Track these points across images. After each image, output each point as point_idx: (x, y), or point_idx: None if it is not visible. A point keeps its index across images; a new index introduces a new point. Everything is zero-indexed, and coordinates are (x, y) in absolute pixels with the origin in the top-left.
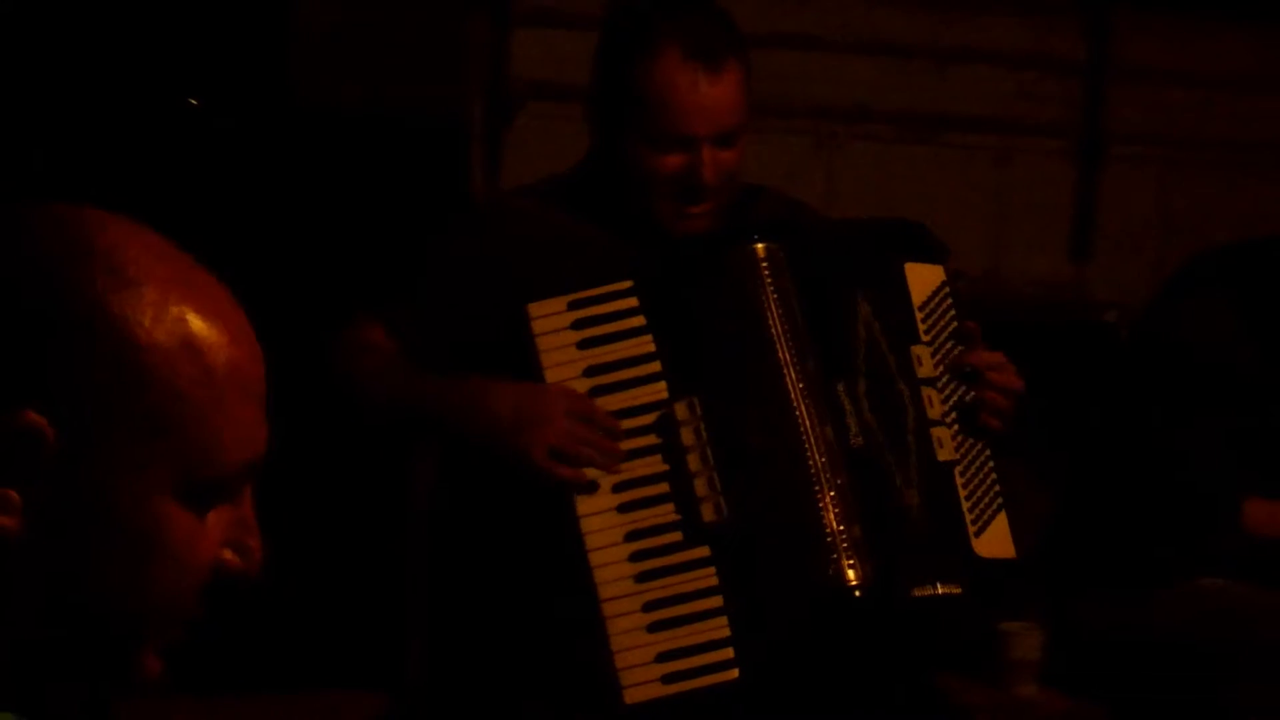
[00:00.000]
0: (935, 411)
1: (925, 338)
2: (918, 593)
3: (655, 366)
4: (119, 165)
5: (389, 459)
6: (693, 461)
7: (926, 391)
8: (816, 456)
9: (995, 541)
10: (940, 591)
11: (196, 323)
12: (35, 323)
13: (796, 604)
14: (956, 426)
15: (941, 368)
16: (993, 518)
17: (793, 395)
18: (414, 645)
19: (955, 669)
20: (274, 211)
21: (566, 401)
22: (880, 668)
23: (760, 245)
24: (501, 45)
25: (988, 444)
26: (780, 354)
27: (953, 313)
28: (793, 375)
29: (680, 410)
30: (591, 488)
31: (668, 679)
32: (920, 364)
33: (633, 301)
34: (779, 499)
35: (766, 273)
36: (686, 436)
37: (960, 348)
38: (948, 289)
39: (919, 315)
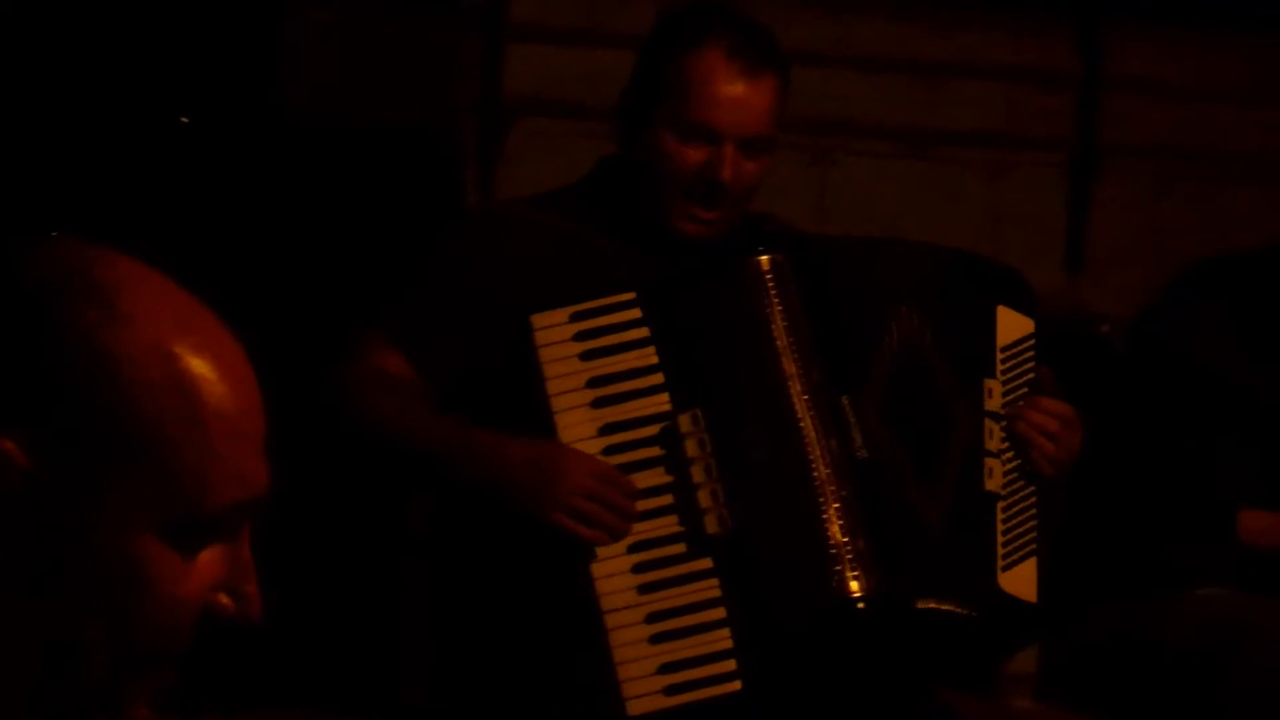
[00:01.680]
0: (994, 444)
1: (1001, 376)
2: (921, 605)
3: (659, 378)
4: (111, 182)
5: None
6: (696, 473)
7: (990, 424)
8: (821, 468)
9: (1020, 581)
10: (945, 607)
11: (188, 361)
12: (20, 351)
13: (799, 615)
14: (1011, 464)
15: (1009, 408)
16: (1024, 559)
17: (797, 407)
18: (413, 661)
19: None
20: (267, 227)
21: (584, 463)
22: (885, 680)
23: (765, 256)
24: (494, 60)
25: (1036, 490)
26: (785, 365)
27: (1032, 364)
28: (798, 387)
29: (684, 422)
30: (605, 545)
31: (670, 690)
32: (990, 396)
33: (636, 313)
34: (782, 510)
35: (771, 284)
36: (690, 448)
37: (1033, 392)
38: (1033, 342)
39: (1000, 355)
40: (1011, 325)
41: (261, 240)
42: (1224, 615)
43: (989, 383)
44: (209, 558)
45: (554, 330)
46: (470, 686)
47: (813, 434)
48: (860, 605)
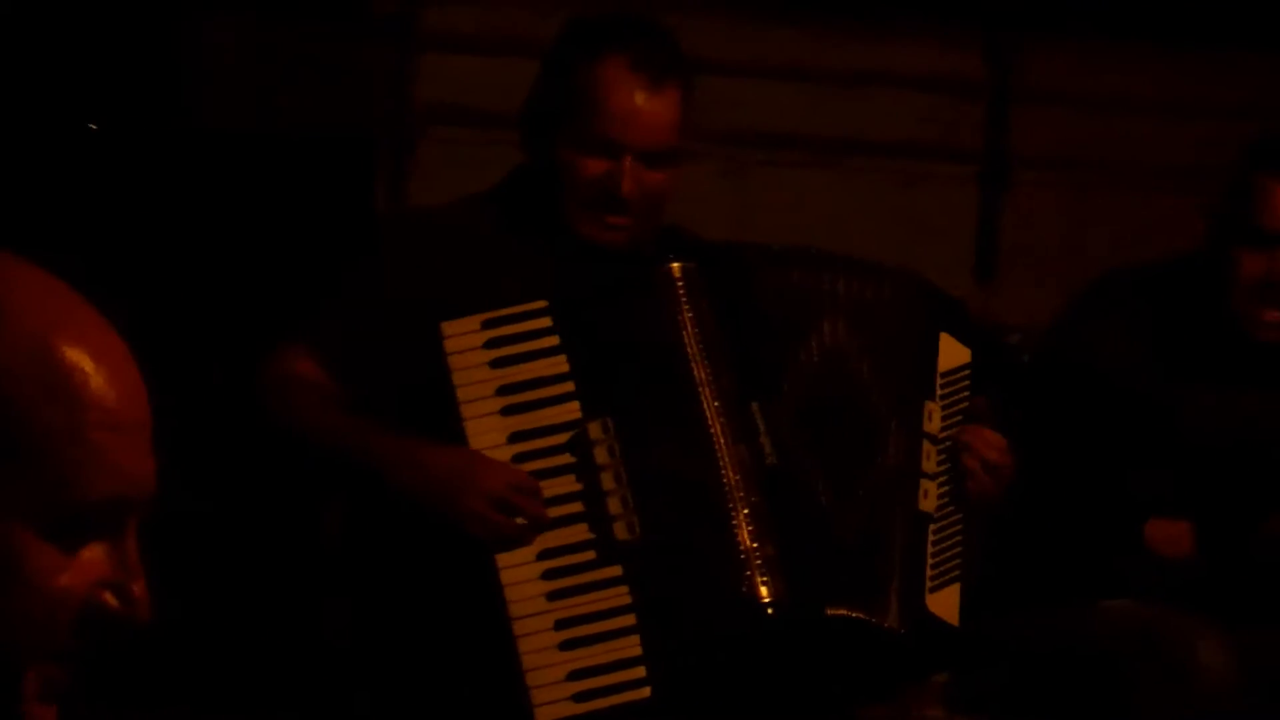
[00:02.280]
0: (930, 465)
1: (940, 400)
2: (831, 612)
3: (569, 386)
4: (19, 191)
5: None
6: (606, 481)
7: (928, 446)
8: (730, 475)
9: (944, 604)
10: (855, 614)
11: (63, 352)
12: None
13: (709, 622)
14: (945, 488)
15: (946, 432)
16: (949, 583)
17: (707, 414)
18: (327, 666)
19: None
20: (179, 235)
21: (498, 469)
22: (800, 689)
23: (676, 264)
24: (406, 69)
25: (966, 516)
26: (695, 373)
27: (968, 392)
28: (708, 394)
29: (594, 430)
30: (517, 549)
31: (579, 697)
32: (929, 419)
33: (546, 321)
34: (691, 517)
35: (683, 292)
36: (600, 455)
37: (967, 420)
38: (969, 372)
39: (940, 379)
40: (952, 353)
41: (174, 248)
42: (1133, 625)
43: (929, 405)
44: (92, 555)
45: (464, 338)
46: (381, 691)
47: (722, 441)
48: (769, 611)
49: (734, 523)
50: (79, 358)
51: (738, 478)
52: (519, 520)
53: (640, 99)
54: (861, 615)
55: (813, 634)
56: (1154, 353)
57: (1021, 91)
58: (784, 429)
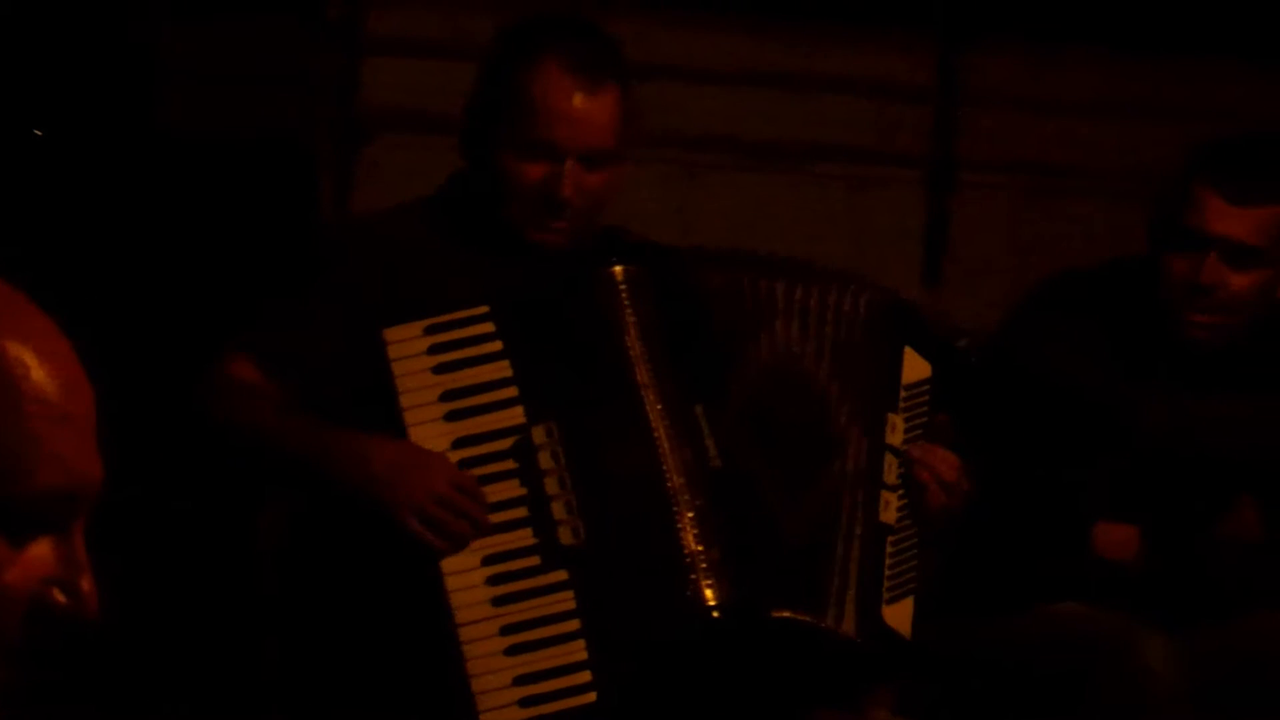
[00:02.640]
0: (890, 477)
1: (903, 413)
2: (776, 614)
3: (512, 391)
4: None
5: (240, 486)
6: (550, 485)
7: (890, 458)
8: (675, 478)
9: (898, 616)
10: (801, 617)
11: (2, 346)
12: None
13: (654, 626)
14: (904, 501)
15: (907, 445)
16: (904, 595)
17: (650, 418)
18: (270, 674)
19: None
20: (124, 238)
21: (444, 469)
22: (749, 692)
23: (619, 267)
24: (352, 74)
25: (922, 531)
26: (639, 376)
27: (928, 407)
28: (651, 397)
29: (537, 434)
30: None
31: (525, 702)
32: (893, 431)
33: (489, 326)
34: (637, 521)
35: (625, 295)
36: (544, 460)
37: (927, 436)
38: (928, 387)
39: (903, 392)
40: (914, 367)
41: (119, 251)
42: (1079, 629)
43: (893, 417)
44: (38, 551)
45: (407, 344)
46: (328, 698)
47: (666, 445)
48: (714, 614)
49: (679, 526)
50: (19, 351)
51: (682, 481)
52: (457, 522)
53: (578, 101)
54: (806, 618)
55: (758, 637)
56: (1100, 356)
57: (968, 95)
58: (729, 432)
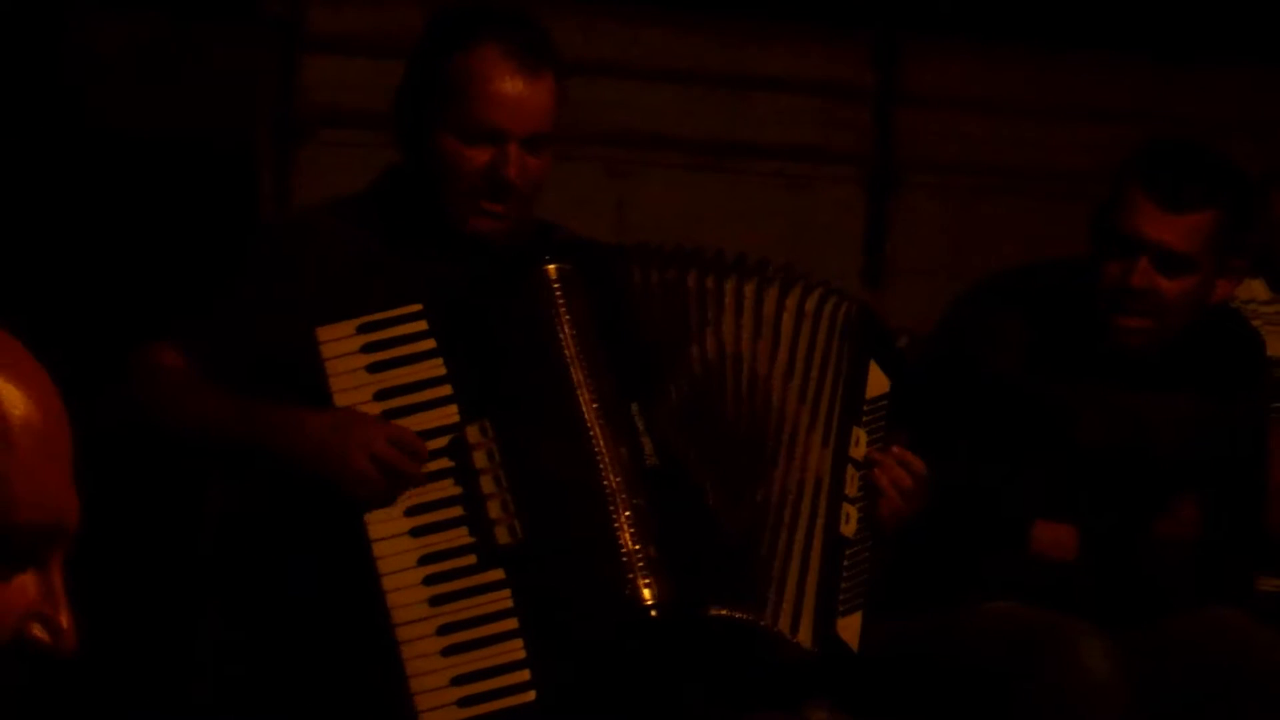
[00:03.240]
0: (852, 490)
1: (866, 426)
2: (715, 612)
3: (446, 389)
4: None
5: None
6: (486, 484)
7: (852, 471)
8: (611, 476)
9: (849, 629)
10: (738, 615)
11: None
12: None
13: (592, 625)
14: (863, 513)
15: (869, 458)
16: (855, 609)
17: (586, 416)
18: (207, 675)
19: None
20: (60, 237)
21: (379, 425)
22: (691, 690)
23: (552, 265)
24: (291, 71)
25: (876, 542)
26: (573, 374)
27: (887, 421)
28: (586, 395)
29: (472, 433)
30: (385, 515)
31: (464, 702)
32: (856, 444)
33: (422, 324)
34: (573, 520)
35: (559, 292)
36: (479, 459)
37: (887, 450)
38: (887, 401)
39: (866, 406)
40: (876, 381)
41: (56, 250)
42: (1016, 627)
43: (857, 430)
44: (22, 583)
45: (340, 343)
46: (266, 700)
47: (602, 443)
48: (653, 613)
49: (615, 525)
50: (8, 388)
51: (619, 479)
52: (396, 476)
53: (520, 84)
54: (745, 616)
55: (697, 635)
56: (1036, 355)
57: (907, 95)
58: (668, 429)
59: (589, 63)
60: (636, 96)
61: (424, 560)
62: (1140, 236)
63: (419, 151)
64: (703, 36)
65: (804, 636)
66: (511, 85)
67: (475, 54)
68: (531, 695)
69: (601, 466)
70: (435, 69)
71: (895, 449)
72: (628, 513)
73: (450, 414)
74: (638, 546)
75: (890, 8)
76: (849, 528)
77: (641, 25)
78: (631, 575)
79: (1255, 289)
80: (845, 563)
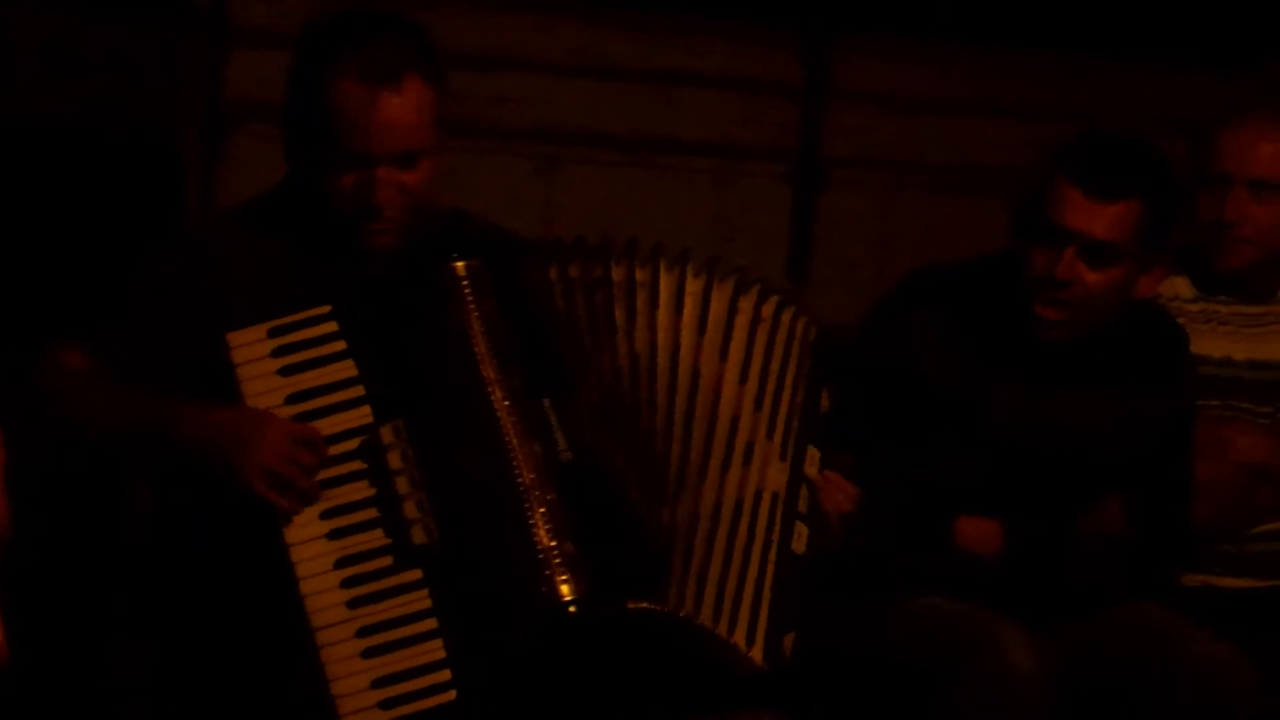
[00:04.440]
0: (804, 507)
1: (819, 444)
2: (633, 605)
3: (358, 391)
4: None
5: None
6: (401, 484)
7: (805, 489)
8: (525, 473)
9: (788, 645)
10: (657, 607)
11: None
12: None
13: (511, 623)
14: (813, 531)
15: (821, 474)
16: (794, 625)
17: (498, 413)
18: (130, 681)
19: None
20: None
21: (284, 425)
22: (618, 685)
23: (461, 263)
24: (217, 65)
25: (815, 560)
26: (484, 372)
27: (830, 438)
28: (498, 393)
29: (386, 434)
30: (300, 511)
31: (386, 704)
32: (811, 463)
33: (332, 326)
34: (488, 518)
35: (468, 290)
36: (393, 460)
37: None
38: (832, 417)
39: (819, 424)
40: (824, 399)
41: None
42: (941, 623)
43: (812, 450)
44: None
45: (251, 348)
46: (188, 704)
47: (514, 440)
48: (571, 610)
49: (531, 522)
50: None
51: (532, 476)
52: (301, 477)
53: (379, 106)
54: (665, 609)
55: (617, 629)
56: (962, 351)
57: (835, 92)
58: (583, 425)
59: (517, 58)
60: (564, 92)
61: (341, 563)
62: (1066, 226)
63: (300, 175)
64: (631, 32)
65: (755, 650)
66: (370, 109)
67: (334, 78)
68: (453, 695)
69: (514, 464)
70: (299, 95)
71: (830, 474)
72: (542, 509)
73: (363, 415)
74: (554, 543)
75: (818, 5)
76: (800, 544)
77: (569, 21)
78: (548, 572)
79: (1179, 287)
80: (797, 580)
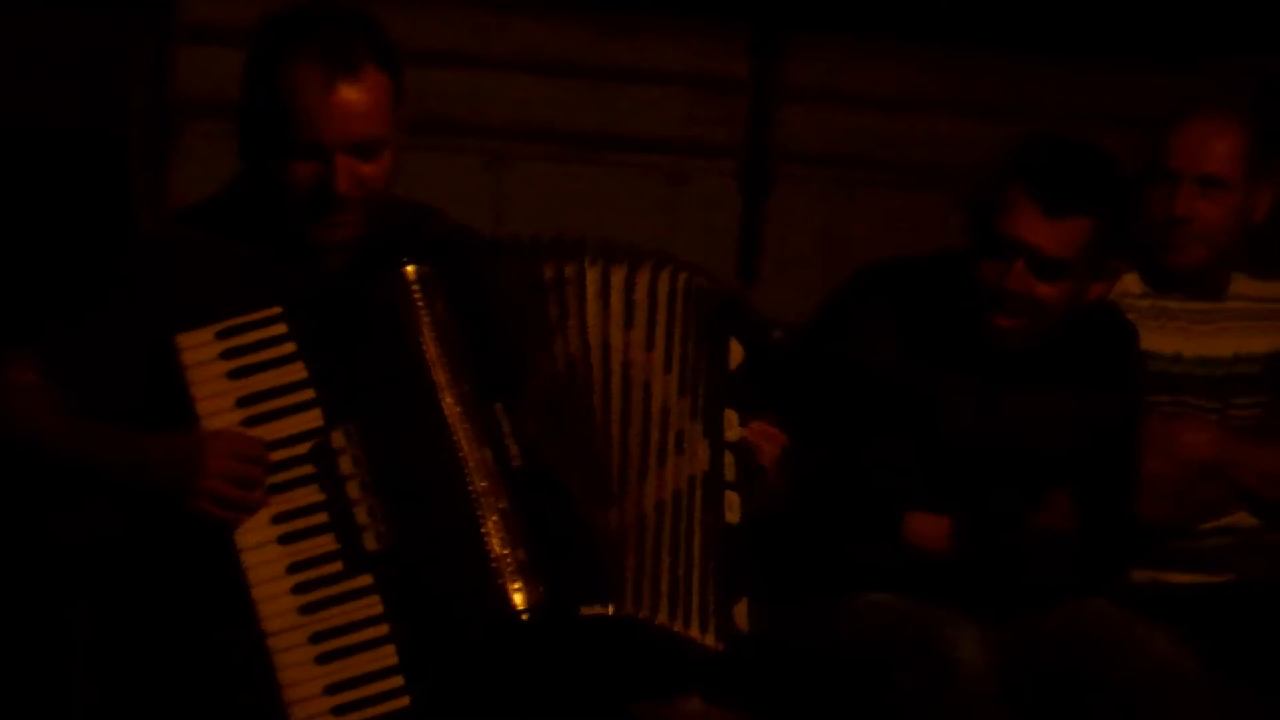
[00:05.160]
0: (731, 475)
1: (735, 405)
2: (586, 611)
3: (309, 394)
4: None
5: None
6: (352, 489)
7: (729, 455)
8: (477, 480)
9: (740, 614)
10: (612, 613)
11: None
12: None
13: (463, 630)
14: (745, 497)
15: (742, 438)
16: (745, 593)
17: (449, 419)
18: (82, 689)
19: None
20: None
21: (222, 443)
22: (576, 689)
23: (411, 268)
24: (164, 62)
25: (758, 523)
26: (435, 377)
27: (747, 392)
28: (449, 399)
29: (337, 438)
30: (249, 519)
31: (338, 710)
32: (729, 426)
33: (282, 328)
34: (440, 525)
35: (418, 295)
36: (344, 464)
37: (754, 424)
38: (747, 368)
39: (732, 383)
40: (735, 353)
41: None
42: (891, 618)
43: (729, 413)
44: None
45: (200, 350)
46: (140, 710)
47: (466, 446)
48: (524, 617)
49: (483, 530)
50: None
51: (485, 484)
52: (247, 494)
53: (338, 95)
54: (618, 612)
55: (571, 635)
56: (911, 348)
57: (785, 88)
58: (533, 429)
59: (468, 55)
60: (516, 89)
61: (293, 568)
62: (1018, 240)
63: (257, 168)
64: (581, 29)
65: (707, 634)
66: (329, 98)
67: (291, 67)
68: (406, 701)
69: (466, 471)
70: (256, 87)
71: (758, 425)
72: (494, 517)
73: (314, 418)
74: (506, 551)
75: (767, 2)
76: (733, 515)
77: (520, 17)
78: (501, 581)
79: (1129, 283)
80: (735, 547)
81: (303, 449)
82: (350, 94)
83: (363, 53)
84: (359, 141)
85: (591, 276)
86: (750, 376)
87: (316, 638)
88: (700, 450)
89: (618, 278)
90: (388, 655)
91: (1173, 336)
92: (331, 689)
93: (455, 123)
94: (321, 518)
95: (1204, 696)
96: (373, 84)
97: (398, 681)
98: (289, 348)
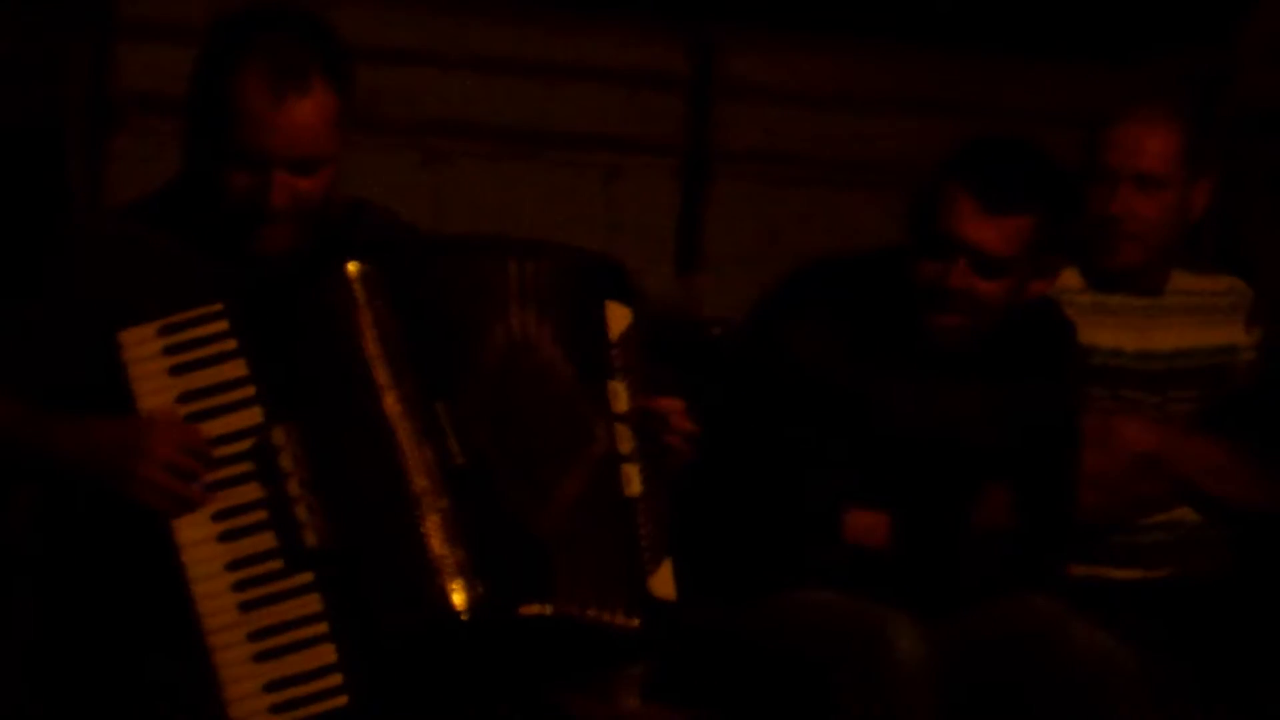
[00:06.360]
0: (626, 447)
1: (621, 375)
2: (525, 611)
3: (250, 391)
4: None
5: None
6: (292, 487)
7: (620, 428)
8: (418, 479)
9: (662, 581)
10: (550, 611)
11: None
12: None
13: (402, 629)
14: (645, 466)
15: (633, 406)
16: (663, 559)
17: (390, 418)
18: (19, 685)
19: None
20: None
21: (167, 432)
22: (496, 687)
23: (354, 265)
24: (103, 58)
25: (666, 487)
26: (377, 375)
27: (639, 354)
28: (390, 397)
29: (277, 435)
30: (190, 512)
31: (276, 709)
32: (616, 398)
33: (224, 324)
34: (380, 523)
35: (360, 293)
36: (285, 462)
37: (648, 390)
38: (635, 332)
39: (614, 353)
40: (617, 319)
41: None
42: (830, 615)
43: (613, 384)
44: None
45: (142, 346)
46: (78, 707)
47: (407, 445)
48: (463, 617)
49: (423, 530)
50: None
51: (425, 483)
52: (187, 485)
53: (282, 108)
54: (558, 610)
55: (511, 634)
56: (850, 345)
57: (722, 85)
58: (472, 427)
59: (403, 50)
60: (453, 86)
61: (232, 565)
62: (959, 238)
63: (197, 169)
64: (518, 25)
65: (621, 615)
66: (273, 110)
67: (239, 75)
68: (344, 699)
69: (407, 469)
70: (205, 86)
71: (661, 402)
72: (435, 516)
73: (255, 415)
74: (445, 551)
75: None
76: (633, 488)
77: (457, 13)
78: (441, 580)
79: (1069, 279)
80: (639, 520)
81: (243, 446)
82: (296, 112)
83: (314, 68)
84: (298, 158)
85: (512, 272)
86: (640, 338)
87: (255, 635)
88: (599, 432)
89: (539, 274)
90: (327, 653)
91: (1112, 330)
92: (270, 687)
93: (392, 120)
94: (261, 515)
95: (1143, 692)
96: (321, 102)
97: (336, 680)
98: (230, 344)
